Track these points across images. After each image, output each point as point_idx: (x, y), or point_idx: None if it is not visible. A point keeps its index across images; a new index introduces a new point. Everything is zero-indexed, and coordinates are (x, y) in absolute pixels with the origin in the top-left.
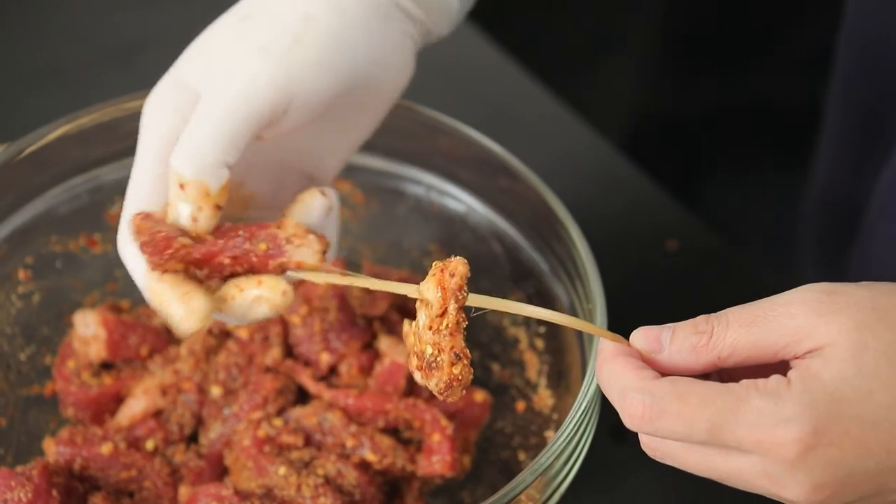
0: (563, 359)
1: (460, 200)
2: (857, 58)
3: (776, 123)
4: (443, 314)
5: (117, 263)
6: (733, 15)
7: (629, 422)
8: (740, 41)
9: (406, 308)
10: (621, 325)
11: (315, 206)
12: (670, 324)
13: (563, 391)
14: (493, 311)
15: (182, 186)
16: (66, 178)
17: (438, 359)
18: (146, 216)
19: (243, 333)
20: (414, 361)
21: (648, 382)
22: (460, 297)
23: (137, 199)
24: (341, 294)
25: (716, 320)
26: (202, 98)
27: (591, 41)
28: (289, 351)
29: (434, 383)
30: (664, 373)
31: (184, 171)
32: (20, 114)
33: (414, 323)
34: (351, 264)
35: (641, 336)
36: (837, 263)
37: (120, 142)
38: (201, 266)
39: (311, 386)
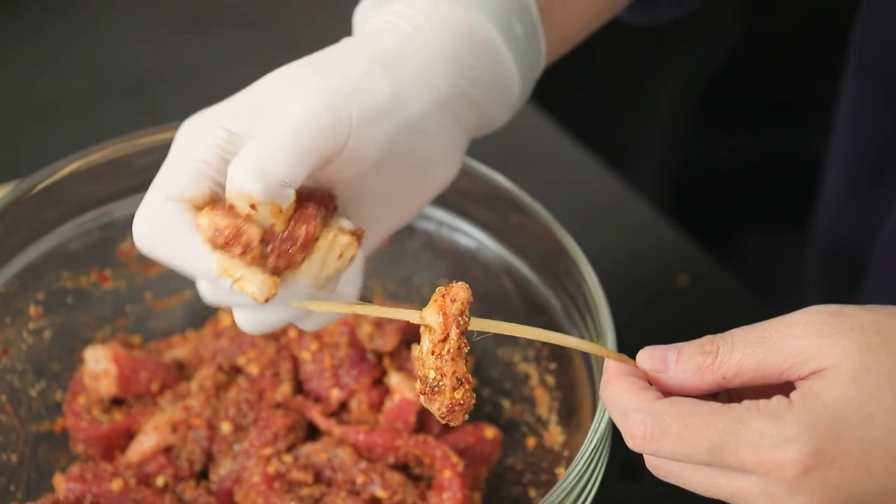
0: (574, 395)
1: (471, 236)
2: (864, 93)
3: (806, 177)
4: (445, 339)
5: (128, 299)
6: (762, 72)
7: (631, 442)
8: (769, 97)
9: (416, 341)
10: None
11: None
12: (676, 343)
13: (573, 428)
14: (504, 347)
15: (254, 207)
16: (77, 214)
17: (441, 383)
18: (213, 207)
19: (253, 369)
20: (418, 386)
21: (650, 403)
22: (461, 322)
23: (178, 184)
24: (351, 330)
25: (721, 340)
26: (259, 128)
27: (620, 97)
28: (299, 387)
29: (436, 407)
30: (670, 393)
31: (254, 191)
32: (32, 149)
33: (418, 348)
34: (362, 299)
35: (647, 356)
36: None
37: (131, 177)
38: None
39: (322, 422)
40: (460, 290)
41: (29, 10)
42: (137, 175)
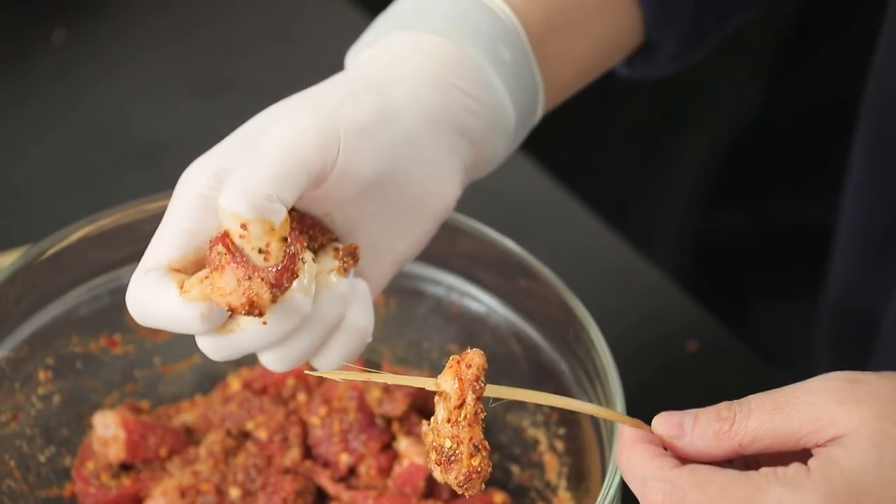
0: (583, 461)
1: (480, 301)
2: (871, 165)
3: (817, 245)
4: (461, 405)
5: (137, 364)
6: (776, 140)
7: None
8: (783, 164)
9: (425, 409)
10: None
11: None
12: (692, 409)
13: (582, 493)
14: (513, 413)
15: (244, 227)
16: (87, 279)
17: (457, 451)
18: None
19: (262, 434)
20: (433, 456)
21: (668, 471)
22: (477, 388)
23: (159, 251)
24: (360, 395)
25: (738, 407)
26: (247, 156)
27: (633, 163)
28: (308, 452)
29: (453, 476)
30: (685, 459)
31: (239, 209)
32: (42, 215)
33: (432, 419)
34: (370, 364)
35: (663, 421)
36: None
37: (141, 242)
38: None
39: (331, 487)
40: (475, 356)
41: (33, 70)
42: (146, 240)
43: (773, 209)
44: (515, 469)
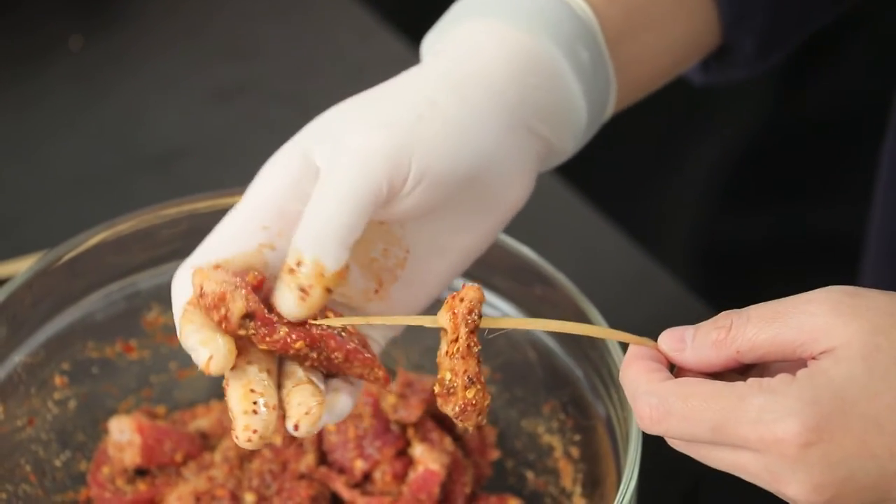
0: (598, 467)
1: (495, 307)
2: None
3: (834, 253)
4: (456, 339)
5: (153, 369)
6: (793, 147)
7: (639, 424)
8: (800, 172)
9: (441, 415)
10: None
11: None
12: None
13: (597, 499)
14: (528, 419)
15: (298, 263)
16: (103, 284)
17: (454, 383)
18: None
19: (277, 440)
20: (437, 388)
21: (656, 385)
22: (470, 321)
23: (206, 249)
24: (375, 401)
25: (736, 315)
26: (322, 175)
27: (648, 170)
28: (323, 458)
29: (451, 408)
30: (690, 370)
31: (304, 250)
32: (57, 220)
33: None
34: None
35: (667, 336)
36: None
37: (157, 248)
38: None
39: (345, 493)
40: (469, 290)
41: (49, 76)
42: (163, 246)
43: (787, 216)
44: (530, 475)
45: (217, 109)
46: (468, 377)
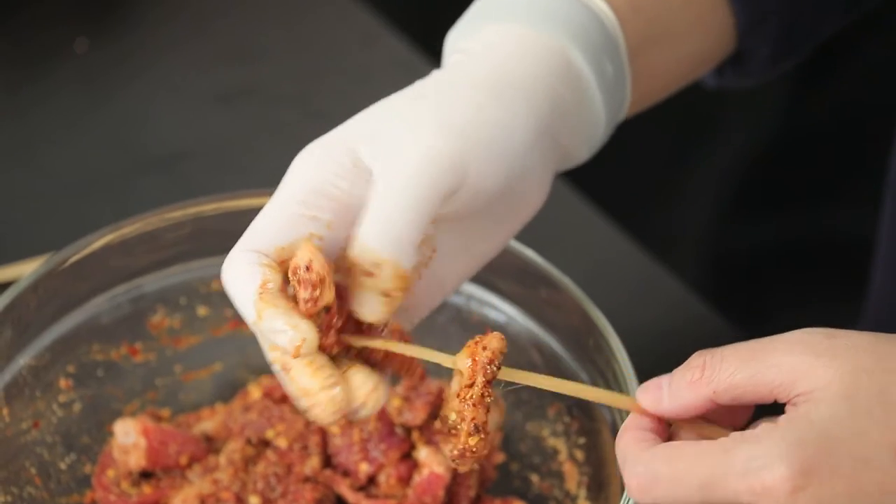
0: (603, 470)
1: (501, 311)
2: None
3: (844, 259)
4: (471, 385)
5: (158, 372)
6: (803, 153)
7: (629, 495)
8: (810, 178)
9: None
10: None
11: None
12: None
13: (602, 503)
14: (533, 422)
15: (378, 266)
16: (108, 287)
17: (458, 427)
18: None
19: (282, 443)
20: (438, 424)
21: (641, 453)
22: (489, 371)
23: (260, 233)
24: None
25: (709, 355)
26: (379, 174)
27: (657, 175)
28: (328, 461)
29: (449, 449)
30: (673, 419)
31: (381, 253)
32: (63, 223)
33: (448, 389)
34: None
35: (643, 389)
36: None
37: (162, 251)
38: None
39: (350, 496)
40: (493, 340)
41: (54, 78)
42: (168, 248)
43: (796, 222)
44: (535, 478)
45: (222, 112)
46: (475, 425)
